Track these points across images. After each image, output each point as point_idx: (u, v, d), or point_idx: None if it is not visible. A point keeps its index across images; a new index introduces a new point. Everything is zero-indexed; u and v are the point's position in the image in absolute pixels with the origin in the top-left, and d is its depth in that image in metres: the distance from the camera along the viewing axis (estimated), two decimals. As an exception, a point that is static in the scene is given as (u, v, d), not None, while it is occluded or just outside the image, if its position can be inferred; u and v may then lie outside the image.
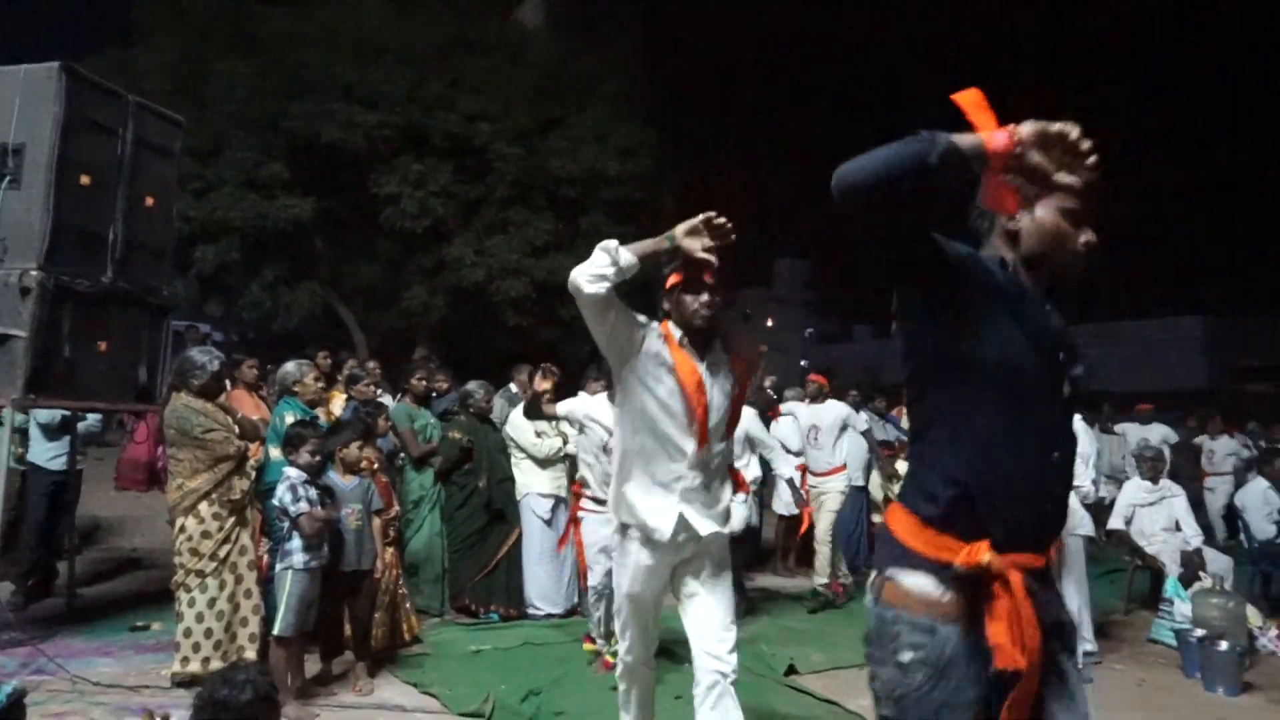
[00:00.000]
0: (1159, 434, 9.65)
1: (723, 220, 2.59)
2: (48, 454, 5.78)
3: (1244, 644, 5.05)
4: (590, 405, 4.72)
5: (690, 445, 2.76)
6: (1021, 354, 1.68)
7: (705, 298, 2.76)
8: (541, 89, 13.76)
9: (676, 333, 2.80)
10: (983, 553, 1.62)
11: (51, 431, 5.75)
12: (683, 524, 2.79)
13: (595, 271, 2.54)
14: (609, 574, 4.27)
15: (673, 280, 2.80)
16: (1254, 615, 5.61)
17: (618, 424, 2.91)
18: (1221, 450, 10.46)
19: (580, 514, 4.84)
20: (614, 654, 4.13)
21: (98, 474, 8.52)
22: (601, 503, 4.55)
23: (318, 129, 12.06)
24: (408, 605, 5.10)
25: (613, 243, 2.59)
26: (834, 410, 6.66)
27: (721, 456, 2.89)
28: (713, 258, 2.63)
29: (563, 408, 4.83)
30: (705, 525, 2.82)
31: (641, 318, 2.78)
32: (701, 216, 2.60)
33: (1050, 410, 1.75)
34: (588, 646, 4.94)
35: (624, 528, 2.91)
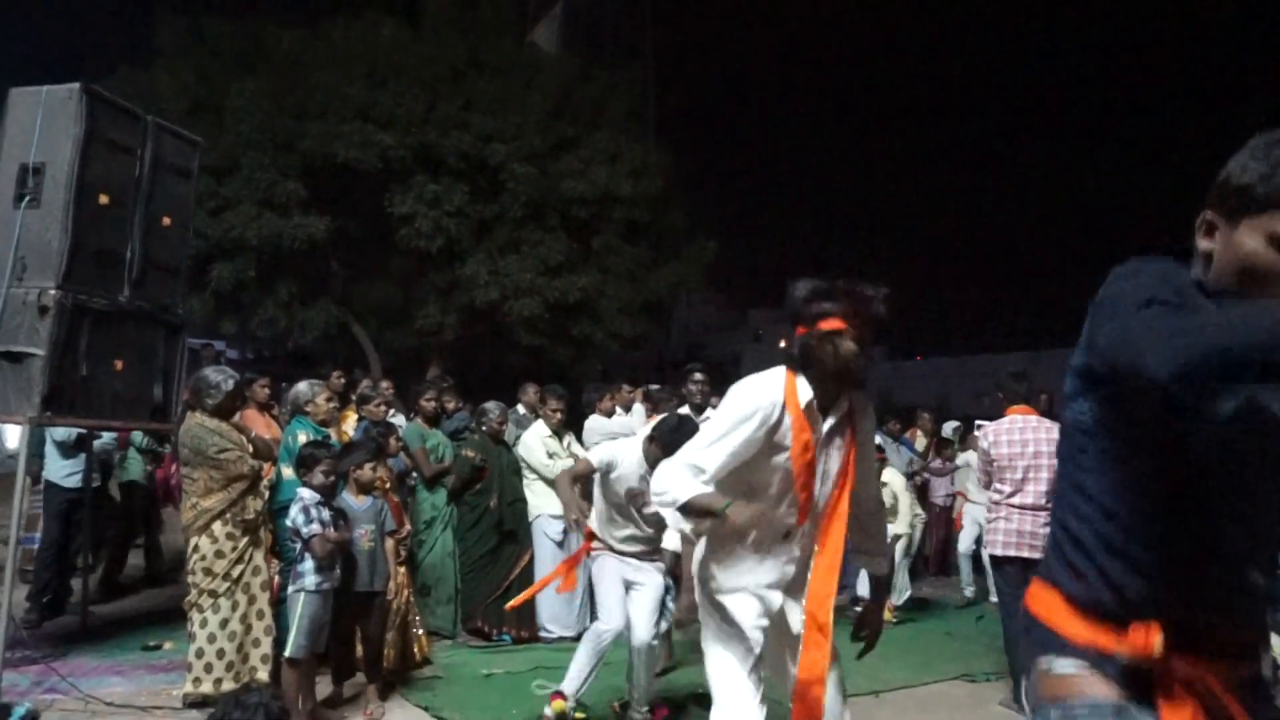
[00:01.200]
0: None
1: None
2: (63, 471, 5.80)
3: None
4: (624, 453, 4.02)
5: (792, 521, 2.48)
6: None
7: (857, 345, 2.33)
8: (554, 110, 13.87)
9: (805, 393, 2.39)
10: (1154, 640, 1.32)
11: (67, 449, 5.77)
12: (781, 614, 2.53)
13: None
14: (625, 610, 4.01)
15: (831, 324, 2.33)
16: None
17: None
18: None
19: (594, 553, 4.19)
20: None
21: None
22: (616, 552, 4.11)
23: (333, 149, 12.17)
24: (418, 626, 5.07)
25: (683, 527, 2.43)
26: None
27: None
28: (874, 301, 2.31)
29: (597, 457, 4.09)
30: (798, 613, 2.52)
31: (761, 412, 2.37)
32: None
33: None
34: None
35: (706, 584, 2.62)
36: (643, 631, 3.99)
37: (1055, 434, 4.85)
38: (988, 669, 5.28)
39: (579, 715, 4.10)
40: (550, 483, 5.85)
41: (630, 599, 4.04)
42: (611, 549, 4.09)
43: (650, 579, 4.07)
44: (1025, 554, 4.77)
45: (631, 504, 3.99)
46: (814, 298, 2.35)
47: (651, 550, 4.11)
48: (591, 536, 4.16)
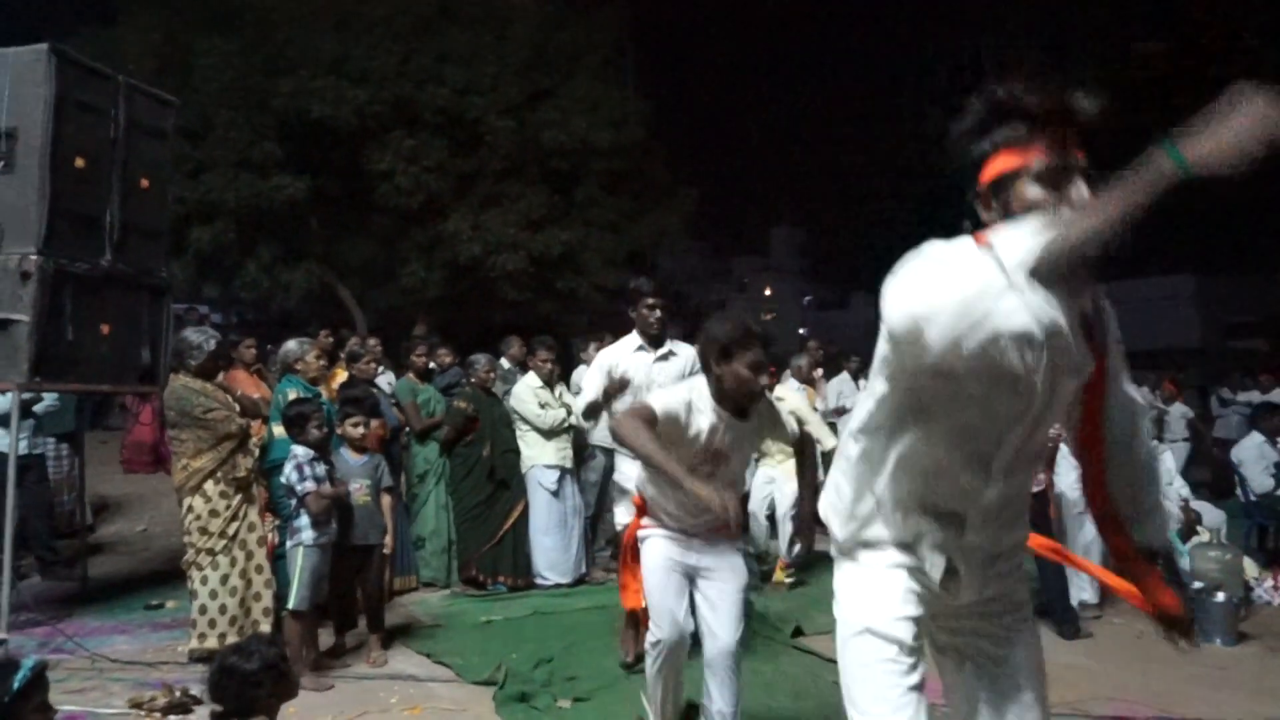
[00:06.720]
0: None
1: None
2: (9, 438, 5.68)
3: (1240, 595, 5.14)
4: (694, 392, 2.78)
5: (1008, 453, 1.59)
6: None
7: (1082, 192, 1.47)
8: (530, 60, 13.66)
9: (1017, 268, 1.33)
10: None
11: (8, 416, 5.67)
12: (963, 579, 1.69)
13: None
14: (687, 614, 2.95)
15: (1008, 162, 1.50)
16: (1250, 567, 5.71)
17: (879, 408, 1.66)
18: (1175, 414, 10.45)
19: (642, 533, 3.04)
20: None
21: (104, 456, 8.57)
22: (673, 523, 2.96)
23: (306, 106, 11.96)
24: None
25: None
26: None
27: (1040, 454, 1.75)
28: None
29: (660, 405, 2.68)
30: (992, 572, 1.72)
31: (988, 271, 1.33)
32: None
33: None
34: None
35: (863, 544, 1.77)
36: (724, 636, 2.90)
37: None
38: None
39: None
40: (543, 432, 5.92)
41: (699, 594, 2.97)
42: (666, 524, 2.98)
43: (726, 563, 2.97)
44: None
45: (708, 461, 2.77)
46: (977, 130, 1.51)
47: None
48: (642, 512, 3.07)
